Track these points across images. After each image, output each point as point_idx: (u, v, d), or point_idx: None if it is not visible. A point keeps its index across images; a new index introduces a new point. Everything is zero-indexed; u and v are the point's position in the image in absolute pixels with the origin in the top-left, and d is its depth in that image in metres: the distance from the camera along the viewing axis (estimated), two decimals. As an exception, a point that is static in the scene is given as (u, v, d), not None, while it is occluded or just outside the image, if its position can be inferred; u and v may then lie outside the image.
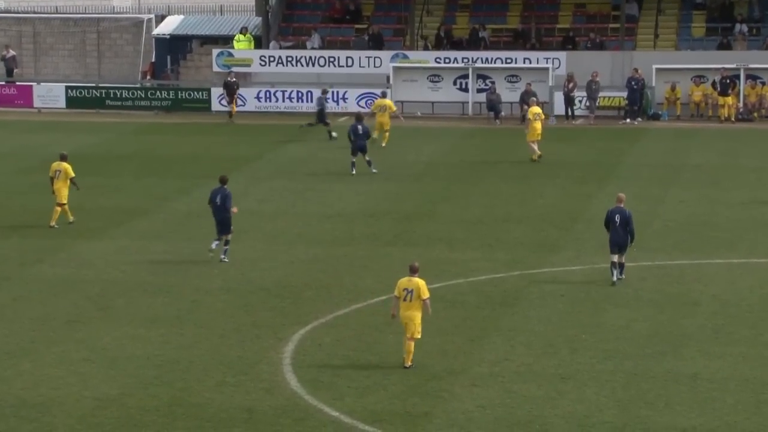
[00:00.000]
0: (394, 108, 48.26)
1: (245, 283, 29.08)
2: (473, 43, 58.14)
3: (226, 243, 30.73)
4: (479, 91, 55.05)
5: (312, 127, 48.61)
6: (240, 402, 21.62)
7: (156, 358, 23.81)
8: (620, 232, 28.48)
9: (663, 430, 20.33)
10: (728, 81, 52.92)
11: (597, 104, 53.68)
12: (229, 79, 54.97)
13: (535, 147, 43.53)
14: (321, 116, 48.26)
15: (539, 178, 41.06)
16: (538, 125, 43.59)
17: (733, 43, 56.14)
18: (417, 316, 23.03)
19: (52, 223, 34.23)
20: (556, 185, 40.06)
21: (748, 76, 53.51)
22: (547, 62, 55.49)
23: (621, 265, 28.70)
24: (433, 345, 24.21)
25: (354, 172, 41.30)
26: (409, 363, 23.10)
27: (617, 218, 28.55)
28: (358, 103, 54.88)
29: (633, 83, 53.00)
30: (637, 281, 28.91)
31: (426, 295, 23.07)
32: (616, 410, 21.18)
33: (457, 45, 58.59)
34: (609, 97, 54.28)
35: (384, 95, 49.95)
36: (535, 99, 47.49)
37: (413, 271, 23.28)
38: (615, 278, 28.49)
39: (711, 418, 20.76)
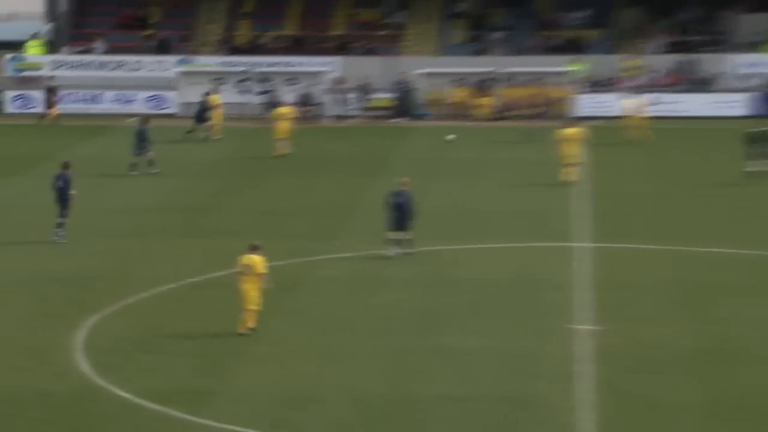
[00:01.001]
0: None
1: (39, 274, 28.44)
2: (254, 48, 58.21)
3: (60, 225, 30.96)
4: (260, 93, 55.07)
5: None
6: (33, 385, 21.15)
7: (-51, 348, 23.14)
8: (402, 211, 29.44)
9: (427, 399, 20.64)
10: (485, 83, 54.18)
11: (368, 105, 54.24)
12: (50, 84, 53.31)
13: (284, 144, 43.86)
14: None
15: (317, 173, 41.29)
16: (284, 125, 44.01)
17: (489, 49, 57.40)
18: (254, 288, 23.63)
19: None
20: (332, 179, 40.34)
21: (502, 78, 54.77)
22: (322, 66, 55.84)
23: (407, 242, 29.51)
24: (218, 327, 24.16)
25: (136, 172, 40.74)
26: (244, 329, 23.53)
27: (400, 199, 29.51)
28: (145, 105, 54.52)
29: (401, 85, 53.90)
30: (405, 265, 29.31)
31: (262, 270, 23.68)
32: (385, 382, 21.44)
33: (239, 50, 58.52)
34: (379, 98, 54.85)
35: (209, 94, 49.90)
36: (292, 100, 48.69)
37: (252, 248, 23.97)
38: (393, 253, 29.20)
39: (469, 387, 21.19)
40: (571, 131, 39.18)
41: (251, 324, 23.83)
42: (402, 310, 25.74)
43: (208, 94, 49.78)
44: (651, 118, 46.74)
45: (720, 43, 56.85)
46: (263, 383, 21.41)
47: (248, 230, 32.84)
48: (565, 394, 20.67)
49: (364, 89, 54.19)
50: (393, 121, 53.79)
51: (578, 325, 24.31)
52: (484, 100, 53.98)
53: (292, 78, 55.40)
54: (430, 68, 55.31)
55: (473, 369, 22.02)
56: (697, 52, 56.02)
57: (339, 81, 54.60)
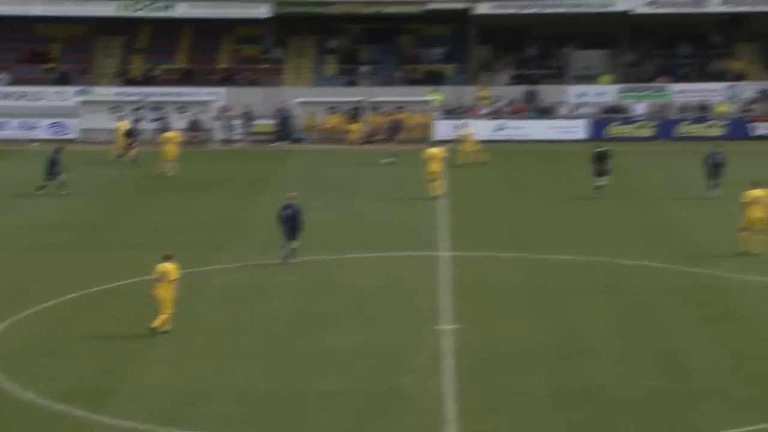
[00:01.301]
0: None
1: (-51, 287, 27.51)
2: (148, 80, 57.46)
3: None
4: (153, 120, 54.33)
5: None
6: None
7: None
8: (291, 223, 29.51)
9: (309, 394, 20.43)
10: (356, 110, 54.30)
11: (251, 130, 53.92)
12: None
13: (172, 165, 43.56)
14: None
15: (207, 192, 40.77)
16: (171, 148, 43.91)
17: (358, 81, 57.53)
18: (167, 293, 23.53)
19: None
20: (221, 197, 39.87)
21: (371, 107, 54.97)
22: (209, 96, 55.38)
23: (292, 250, 29.43)
24: (118, 332, 23.62)
25: (41, 192, 39.71)
26: (156, 325, 23.27)
27: (289, 211, 29.63)
28: (47, 131, 53.70)
29: (281, 113, 53.76)
30: (289, 273, 29.07)
31: (173, 277, 23.62)
32: (272, 380, 21.16)
33: (133, 81, 57.71)
34: (261, 124, 54.56)
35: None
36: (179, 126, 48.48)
37: (166, 258, 23.93)
38: (285, 258, 29.35)
39: (345, 381, 21.05)
40: (434, 151, 39.35)
41: (157, 323, 23.39)
42: (286, 313, 25.49)
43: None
44: (481, 141, 47.07)
45: (558, 76, 57.82)
46: (160, 382, 20.96)
47: (145, 244, 32.32)
48: (432, 387, 20.64)
49: (248, 116, 53.98)
50: (274, 144, 53.53)
51: (442, 325, 24.35)
52: (355, 126, 54.11)
53: (182, 106, 54.85)
54: (306, 97, 55.41)
55: (350, 366, 21.88)
56: (539, 83, 56.89)
57: (225, 109, 54.31)
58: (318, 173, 45.48)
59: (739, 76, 56.71)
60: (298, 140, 54.25)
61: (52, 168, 40.06)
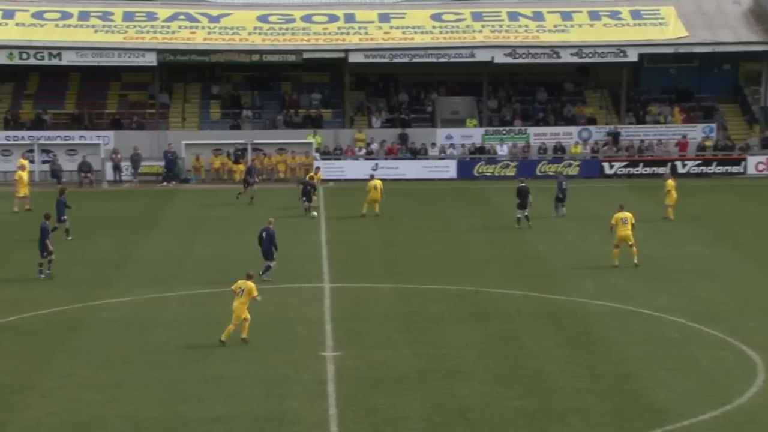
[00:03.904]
0: None
1: None
2: (38, 124, 56.21)
3: None
4: (44, 162, 53.21)
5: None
6: None
7: None
8: (268, 245, 30.84)
9: (196, 421, 20.15)
10: (240, 152, 54.03)
11: (140, 171, 53.21)
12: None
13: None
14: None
15: (97, 230, 39.86)
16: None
17: (241, 124, 57.30)
18: (243, 306, 24.73)
19: None
20: (110, 235, 39.08)
21: (253, 149, 54.77)
22: (98, 139, 54.52)
23: (268, 267, 30.85)
24: (9, 366, 22.97)
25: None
26: (225, 338, 24.57)
27: (264, 234, 30.97)
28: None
29: (168, 155, 53.20)
30: (177, 306, 28.65)
31: (255, 294, 24.96)
32: (160, 408, 20.79)
33: (24, 126, 56.39)
34: (150, 165, 53.85)
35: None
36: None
37: (249, 277, 25.18)
38: (266, 278, 30.37)
39: (232, 408, 20.81)
40: (377, 182, 42.15)
41: (245, 334, 24.74)
42: (173, 345, 25.08)
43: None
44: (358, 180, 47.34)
45: (428, 120, 58.49)
46: (52, 413, 20.40)
47: (37, 280, 31.50)
48: (316, 411, 20.54)
49: (136, 158, 53.19)
50: (162, 184, 52.84)
51: (325, 352, 24.26)
52: (239, 167, 53.77)
53: (71, 149, 53.87)
54: (192, 140, 54.90)
55: (237, 392, 21.62)
56: (410, 126, 57.45)
57: (114, 152, 53.44)
58: (204, 212, 45.02)
59: (590, 120, 58.19)
60: (185, 180, 53.70)
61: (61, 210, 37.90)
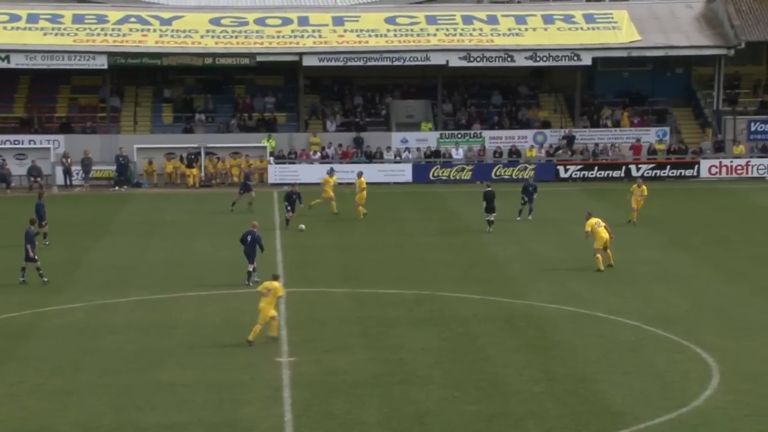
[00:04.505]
0: None
1: None
2: (-13, 128, 55.62)
3: None
4: (-8, 165, 52.71)
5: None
6: None
7: None
8: (253, 247, 30.90)
9: (150, 428, 19.96)
10: (193, 156, 53.74)
11: (91, 175, 52.73)
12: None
13: None
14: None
15: (51, 235, 39.26)
16: None
17: (194, 128, 56.97)
18: (269, 307, 25.12)
19: None
20: (62, 240, 38.51)
21: (207, 153, 54.48)
22: (48, 143, 53.98)
23: (249, 273, 30.84)
24: (-42, 375, 22.56)
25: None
26: (251, 338, 24.88)
27: (249, 237, 31.01)
28: None
29: (120, 159, 52.81)
30: (129, 312, 28.39)
31: (281, 294, 25.56)
32: (113, 415, 20.56)
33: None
34: (101, 170, 53.41)
35: None
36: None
37: (275, 278, 25.70)
38: (251, 282, 30.37)
39: (186, 415, 20.63)
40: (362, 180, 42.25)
41: (275, 333, 25.19)
42: (126, 351, 24.84)
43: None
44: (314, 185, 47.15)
45: (383, 123, 58.52)
46: (1, 421, 20.07)
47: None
48: (272, 417, 20.42)
49: (87, 162, 52.72)
50: (114, 189, 52.41)
51: (281, 357, 24.14)
52: (193, 171, 53.53)
53: (20, 153, 53.28)
54: (144, 144, 54.51)
55: (191, 399, 21.44)
56: (366, 130, 57.45)
57: (64, 156, 52.92)
58: (156, 216, 44.69)
59: (545, 124, 58.51)
60: (137, 185, 53.32)
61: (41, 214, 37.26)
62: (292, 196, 40.98)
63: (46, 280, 31.34)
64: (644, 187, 41.57)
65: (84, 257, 35.67)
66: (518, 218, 41.75)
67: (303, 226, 39.48)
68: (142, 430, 19.80)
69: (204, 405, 21.11)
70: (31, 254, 31.46)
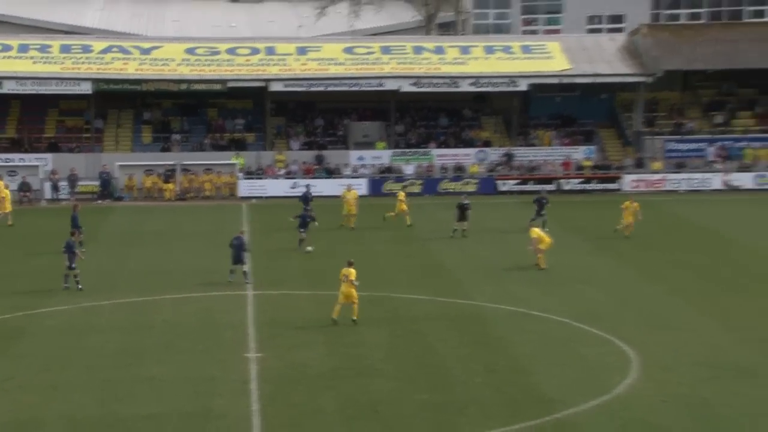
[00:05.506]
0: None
1: None
2: (-19, 147, 55.00)
3: None
4: (-13, 182, 51.96)
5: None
6: None
7: None
8: (239, 251, 31.14)
9: (130, 419, 19.80)
10: (170, 172, 53.39)
11: (76, 190, 52.25)
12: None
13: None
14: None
15: (38, 244, 38.95)
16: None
17: (171, 147, 56.66)
18: (351, 289, 26.32)
19: None
20: (50, 248, 37.96)
21: (182, 169, 54.15)
22: (37, 161, 53.44)
23: (245, 273, 31.11)
24: (-46, 372, 22.25)
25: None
26: (355, 317, 26.24)
27: (237, 242, 31.33)
28: None
29: (103, 175, 52.39)
30: (112, 313, 28.14)
31: (353, 277, 26.34)
32: (96, 407, 20.39)
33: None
34: (85, 185, 52.94)
35: None
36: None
37: (349, 264, 26.67)
38: (231, 280, 30.87)
39: (164, 406, 20.51)
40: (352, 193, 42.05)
41: (356, 316, 26.26)
42: (108, 349, 24.64)
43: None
44: (279, 198, 47.05)
45: (342, 142, 58.54)
46: (-5, 414, 19.86)
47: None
48: (241, 407, 20.35)
49: (73, 178, 52.30)
50: (98, 202, 51.95)
51: (249, 354, 24.07)
52: (169, 186, 53.21)
53: (12, 170, 52.72)
54: (125, 161, 54.09)
55: (168, 392, 21.32)
56: (326, 148, 57.44)
57: (52, 172, 52.43)
58: (137, 227, 44.37)
59: (486, 143, 58.84)
60: (118, 198, 52.90)
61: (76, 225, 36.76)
62: (306, 219, 38.31)
63: (67, 285, 30.70)
64: (636, 204, 40.35)
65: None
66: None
67: (311, 248, 37.21)
68: (123, 421, 19.65)
69: (179, 397, 21.00)
70: (69, 262, 30.73)
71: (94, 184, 52.83)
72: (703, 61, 58.66)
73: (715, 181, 55.92)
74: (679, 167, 57.15)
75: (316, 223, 39.41)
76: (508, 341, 25.32)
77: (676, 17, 74.86)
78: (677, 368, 22.89)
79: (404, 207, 43.32)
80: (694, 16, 74.79)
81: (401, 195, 44.04)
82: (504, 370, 22.78)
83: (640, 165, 57.24)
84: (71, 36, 59.77)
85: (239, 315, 27.85)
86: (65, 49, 56.04)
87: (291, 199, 49.06)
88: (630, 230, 40.13)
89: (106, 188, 52.46)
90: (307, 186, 45.14)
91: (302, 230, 37.96)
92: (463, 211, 40.51)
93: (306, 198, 42.96)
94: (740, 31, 61.67)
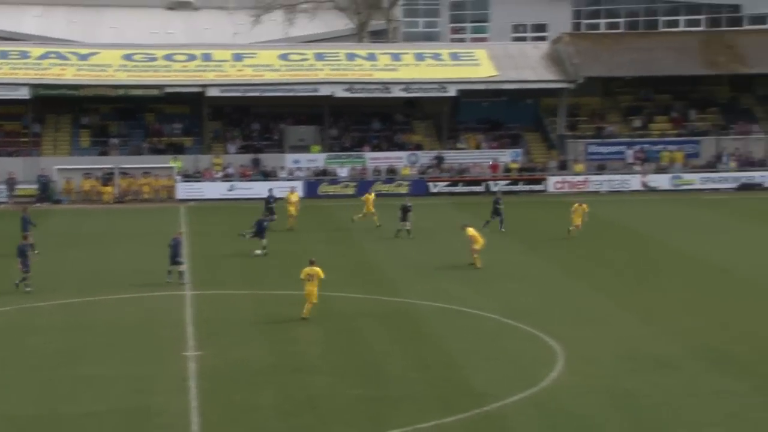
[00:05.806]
0: None
1: None
2: None
3: None
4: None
5: None
6: None
7: None
8: (175, 251, 30.96)
9: (71, 417, 19.48)
10: (108, 176, 52.65)
11: (15, 193, 51.19)
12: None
13: None
14: None
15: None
16: None
17: (109, 151, 55.83)
18: (314, 289, 25.99)
19: None
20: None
21: (121, 172, 53.44)
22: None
23: (181, 273, 30.82)
24: None
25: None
26: (306, 315, 25.88)
27: (174, 243, 31.05)
28: None
29: (41, 178, 51.45)
30: (50, 314, 27.61)
31: (321, 276, 26.07)
32: (37, 406, 20.02)
33: None
34: (24, 188, 51.93)
35: None
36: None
37: (311, 263, 26.28)
38: (169, 280, 30.50)
39: (103, 404, 20.12)
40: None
41: (306, 314, 25.96)
42: (49, 349, 24.19)
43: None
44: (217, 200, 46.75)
45: (278, 146, 58.28)
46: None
47: None
48: (180, 404, 20.12)
49: (11, 182, 51.21)
50: (36, 205, 50.92)
51: (188, 352, 23.81)
52: (107, 189, 52.45)
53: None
54: (64, 165, 53.17)
55: (107, 390, 20.99)
56: (262, 152, 57.14)
57: (-13, 175, 51.31)
58: (75, 229, 43.63)
59: (418, 146, 59.08)
60: (57, 201, 51.96)
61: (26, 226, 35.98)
62: (263, 225, 37.23)
63: (27, 288, 30.01)
64: (585, 205, 40.66)
65: (10, 266, 34.49)
66: (484, 228, 39.89)
67: (258, 252, 36.46)
68: (64, 420, 19.30)
69: (119, 395, 20.70)
70: (23, 267, 30.02)
71: (33, 188, 51.84)
72: (622, 68, 59.67)
73: (634, 182, 56.93)
74: (600, 169, 58.03)
75: (275, 216, 40.38)
76: (440, 337, 25.42)
77: (596, 26, 76.09)
78: (600, 361, 23.22)
79: (371, 209, 43.13)
80: (613, 26, 76.10)
81: (370, 197, 43.77)
82: (437, 365, 22.87)
83: (563, 167, 57.99)
84: (8, 42, 58.58)
85: (178, 314, 27.55)
86: (3, 54, 54.97)
87: (228, 201, 48.73)
88: (576, 231, 40.45)
89: (45, 191, 51.52)
90: (270, 190, 45.11)
91: (261, 237, 36.80)
92: (405, 212, 40.74)
93: (270, 201, 42.87)
94: (656, 40, 62.91)
